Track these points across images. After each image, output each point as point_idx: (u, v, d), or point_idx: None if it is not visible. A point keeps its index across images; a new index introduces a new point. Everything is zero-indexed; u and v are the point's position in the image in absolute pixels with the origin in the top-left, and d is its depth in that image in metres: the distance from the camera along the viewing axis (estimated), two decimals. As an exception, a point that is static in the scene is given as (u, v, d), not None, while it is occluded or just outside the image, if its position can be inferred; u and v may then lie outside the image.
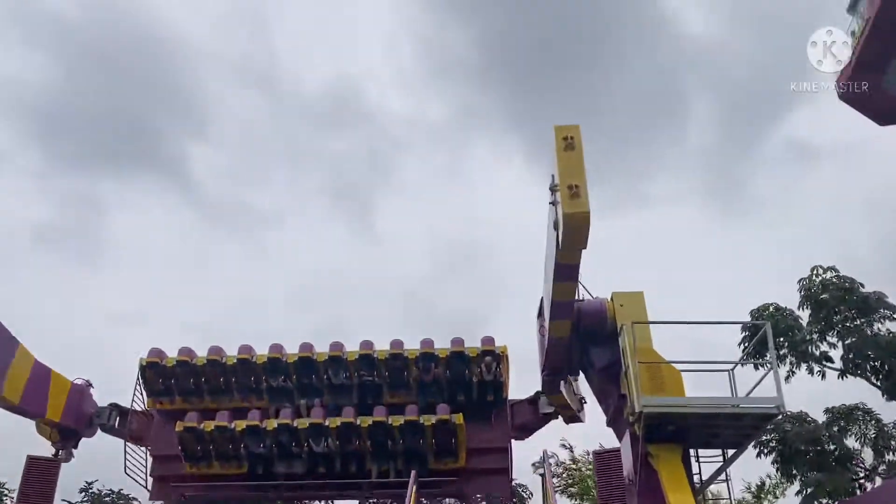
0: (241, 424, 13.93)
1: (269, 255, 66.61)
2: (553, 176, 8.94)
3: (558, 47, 67.01)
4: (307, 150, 71.66)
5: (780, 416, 10.74)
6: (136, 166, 69.50)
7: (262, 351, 14.68)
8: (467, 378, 14.27)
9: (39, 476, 13.99)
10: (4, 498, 21.85)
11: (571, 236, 8.21)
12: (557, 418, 14.36)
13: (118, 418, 15.13)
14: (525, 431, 14.82)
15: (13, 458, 14.65)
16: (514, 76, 71.07)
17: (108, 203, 66.35)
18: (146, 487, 14.67)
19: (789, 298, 17.99)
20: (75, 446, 14.96)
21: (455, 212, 72.09)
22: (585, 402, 13.87)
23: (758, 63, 59.49)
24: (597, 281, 11.78)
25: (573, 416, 13.87)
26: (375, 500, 14.16)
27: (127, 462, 14.40)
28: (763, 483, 25.55)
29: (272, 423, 13.88)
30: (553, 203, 8.78)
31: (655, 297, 12.05)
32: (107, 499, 25.32)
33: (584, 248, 8.54)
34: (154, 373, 14.69)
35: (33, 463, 14.10)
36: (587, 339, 11.60)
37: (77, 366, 15.32)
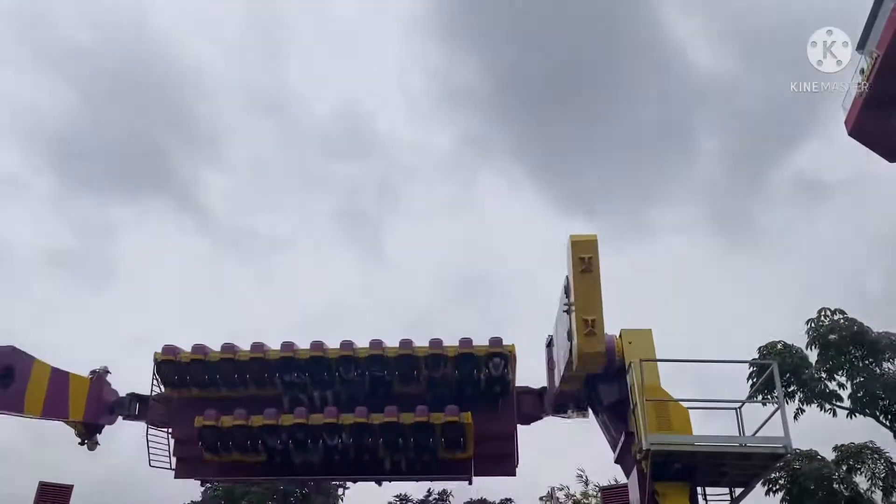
0: (258, 421, 14.45)
1: (278, 278, 66.17)
2: (567, 277, 8.72)
3: (567, 77, 63.84)
4: (317, 176, 69.55)
5: (788, 456, 11.07)
6: (149, 191, 67.96)
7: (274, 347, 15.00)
8: (475, 377, 14.61)
9: (51, 503, 14.40)
10: None
11: (585, 368, 8.16)
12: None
13: (138, 405, 15.78)
14: (529, 419, 15.37)
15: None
16: (523, 105, 67.77)
17: (122, 227, 65.48)
18: (171, 468, 15.50)
19: (796, 330, 17.99)
20: (99, 432, 15.71)
21: (463, 239, 70.97)
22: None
23: (767, 97, 56.02)
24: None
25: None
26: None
27: (150, 452, 15.09)
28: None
29: (288, 420, 14.41)
30: (567, 311, 8.63)
31: (659, 326, 12.07)
32: None
33: (597, 372, 8.51)
34: (169, 368, 15.08)
35: (45, 489, 14.51)
36: (595, 377, 11.76)
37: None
